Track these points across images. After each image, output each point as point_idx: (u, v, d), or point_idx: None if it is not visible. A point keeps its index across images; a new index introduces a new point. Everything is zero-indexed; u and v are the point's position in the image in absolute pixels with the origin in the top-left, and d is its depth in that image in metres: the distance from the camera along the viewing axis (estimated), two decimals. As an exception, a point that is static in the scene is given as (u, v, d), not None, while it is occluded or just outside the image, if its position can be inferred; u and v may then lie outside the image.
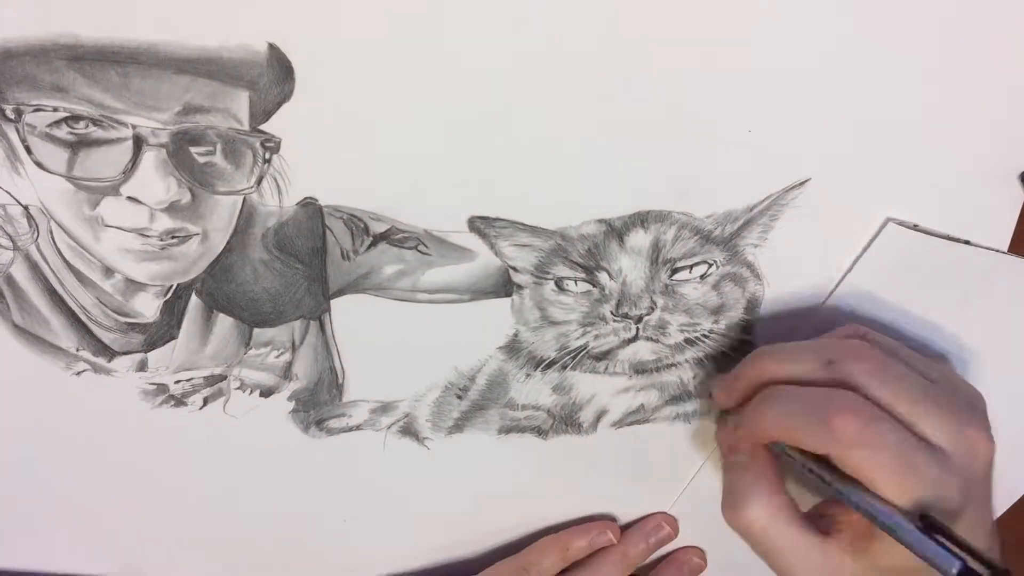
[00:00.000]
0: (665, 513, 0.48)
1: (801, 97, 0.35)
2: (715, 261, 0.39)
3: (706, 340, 0.41)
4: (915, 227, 0.39)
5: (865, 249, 0.39)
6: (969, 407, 0.36)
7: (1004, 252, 0.39)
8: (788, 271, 0.40)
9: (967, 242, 0.39)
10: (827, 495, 0.37)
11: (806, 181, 0.37)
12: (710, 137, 0.36)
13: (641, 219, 0.37)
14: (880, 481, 0.32)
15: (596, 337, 0.40)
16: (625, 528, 0.48)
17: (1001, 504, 0.46)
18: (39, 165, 0.33)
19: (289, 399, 0.41)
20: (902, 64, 0.35)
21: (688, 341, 0.41)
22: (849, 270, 0.40)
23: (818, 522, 0.36)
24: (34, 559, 0.45)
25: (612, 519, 0.48)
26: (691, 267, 0.39)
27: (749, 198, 0.37)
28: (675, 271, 0.39)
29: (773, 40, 0.34)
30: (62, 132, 0.33)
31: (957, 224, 0.39)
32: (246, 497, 0.44)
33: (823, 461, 0.34)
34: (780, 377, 0.36)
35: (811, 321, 0.40)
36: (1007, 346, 0.42)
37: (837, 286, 0.40)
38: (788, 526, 0.36)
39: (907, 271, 0.40)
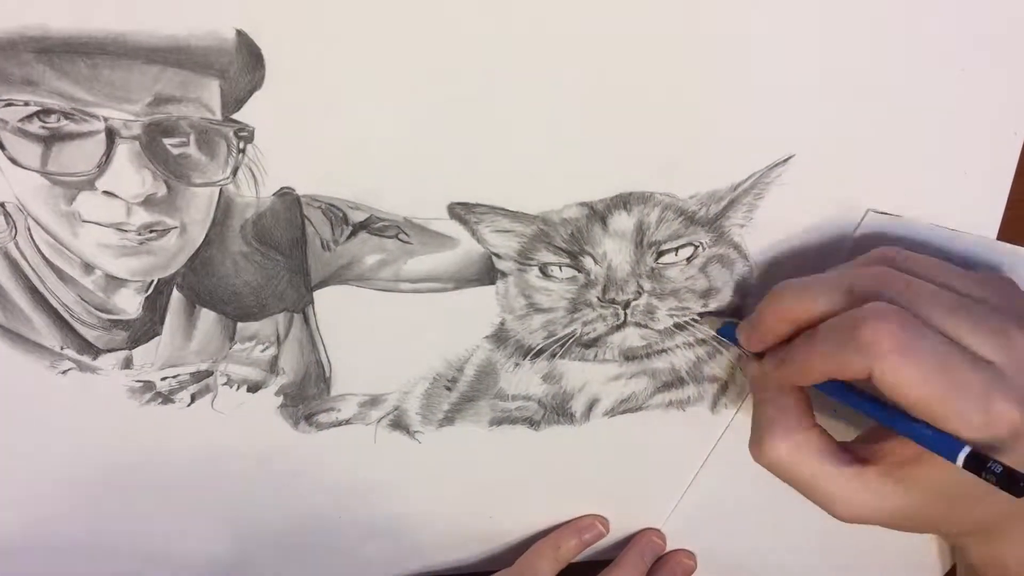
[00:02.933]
0: (600, 515, 0.48)
1: (784, 73, 0.35)
2: (701, 243, 0.38)
3: (696, 324, 0.40)
4: (897, 217, 0.38)
5: (851, 236, 0.38)
6: (1020, 319, 0.32)
7: (992, 239, 0.39)
8: (776, 251, 0.39)
9: (952, 230, 0.38)
10: (867, 423, 0.35)
11: (790, 157, 0.36)
12: (692, 116, 0.35)
13: (624, 201, 0.37)
14: (926, 395, 0.30)
15: (584, 324, 0.40)
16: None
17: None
18: (13, 161, 0.33)
19: (277, 394, 0.41)
20: (888, 39, 0.35)
21: (677, 326, 0.40)
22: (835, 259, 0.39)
23: (859, 450, 0.35)
24: (24, 561, 0.45)
25: (602, 515, 0.48)
26: (677, 250, 0.38)
27: (733, 177, 0.37)
28: (661, 254, 0.38)
29: (755, 17, 0.34)
30: (34, 126, 0.32)
31: (942, 212, 0.38)
32: (237, 494, 0.44)
33: (862, 391, 0.33)
34: (803, 317, 0.34)
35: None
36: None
37: None
38: (818, 458, 0.35)
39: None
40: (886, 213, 0.38)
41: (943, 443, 0.31)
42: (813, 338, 0.33)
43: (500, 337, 0.40)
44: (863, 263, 0.35)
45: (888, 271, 0.33)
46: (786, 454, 0.35)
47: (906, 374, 0.30)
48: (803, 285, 0.34)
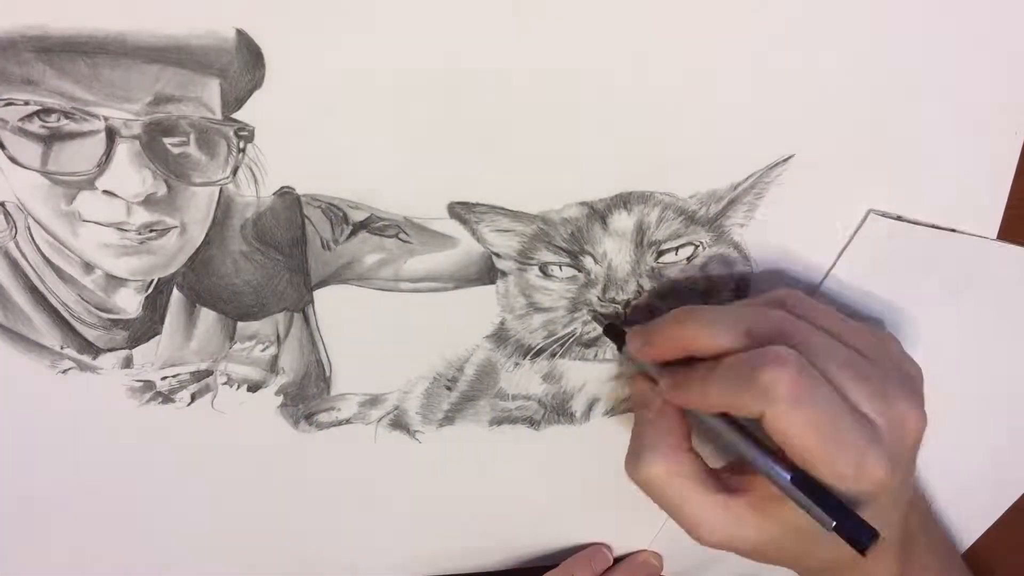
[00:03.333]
0: (606, 545, 0.49)
1: (784, 73, 0.35)
2: (701, 242, 0.38)
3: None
4: (898, 218, 0.38)
5: (849, 241, 0.39)
6: (902, 382, 0.34)
7: (993, 239, 0.39)
8: (777, 250, 0.39)
9: (952, 231, 0.38)
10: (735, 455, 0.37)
11: (790, 157, 0.36)
12: (691, 116, 0.35)
13: (624, 200, 0.37)
14: (809, 445, 0.31)
15: (584, 323, 0.40)
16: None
17: (1002, 503, 0.45)
18: (13, 160, 0.33)
19: (277, 393, 0.41)
20: (888, 38, 0.35)
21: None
22: (834, 263, 0.39)
23: (729, 480, 0.36)
24: (23, 561, 0.45)
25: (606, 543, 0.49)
26: (677, 249, 0.38)
27: (733, 176, 0.37)
28: (661, 253, 0.38)
29: (755, 18, 0.34)
30: (34, 126, 0.32)
31: (942, 212, 0.38)
32: (238, 493, 0.44)
33: (735, 424, 0.34)
34: (701, 349, 0.34)
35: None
36: (1001, 335, 0.41)
37: (823, 280, 0.39)
38: (689, 483, 0.35)
39: (893, 262, 0.39)
40: (886, 213, 0.38)
41: (820, 512, 0.32)
42: (713, 373, 0.33)
43: (500, 337, 0.40)
44: (762, 302, 0.36)
45: (788, 318, 0.34)
46: (661, 475, 0.36)
47: (796, 421, 0.31)
48: (706, 318, 0.35)
